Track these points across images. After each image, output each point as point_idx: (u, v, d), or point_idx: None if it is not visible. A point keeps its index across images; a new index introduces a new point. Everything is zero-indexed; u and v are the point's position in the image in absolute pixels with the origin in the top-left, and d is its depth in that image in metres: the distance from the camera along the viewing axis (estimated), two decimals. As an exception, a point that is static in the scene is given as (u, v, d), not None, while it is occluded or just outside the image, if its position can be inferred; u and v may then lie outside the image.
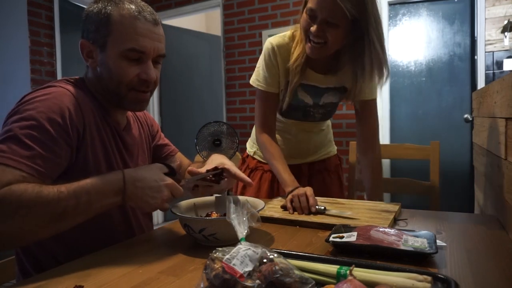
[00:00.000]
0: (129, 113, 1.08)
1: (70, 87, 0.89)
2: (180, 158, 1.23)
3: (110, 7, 0.88)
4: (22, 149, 0.74)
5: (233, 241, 0.65)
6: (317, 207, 1.02)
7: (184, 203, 0.95)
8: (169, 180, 0.82)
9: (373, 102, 1.34)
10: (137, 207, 0.82)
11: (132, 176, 0.79)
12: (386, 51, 1.15)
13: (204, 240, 0.80)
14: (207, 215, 0.89)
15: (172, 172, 0.87)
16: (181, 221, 0.84)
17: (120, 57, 0.88)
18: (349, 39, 1.13)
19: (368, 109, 1.34)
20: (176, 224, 1.00)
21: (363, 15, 1.06)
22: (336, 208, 1.06)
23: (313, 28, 1.08)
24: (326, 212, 1.02)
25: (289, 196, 1.09)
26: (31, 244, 0.88)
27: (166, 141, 1.24)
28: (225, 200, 0.92)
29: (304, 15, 1.11)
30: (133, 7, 0.89)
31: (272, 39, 1.28)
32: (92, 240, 0.89)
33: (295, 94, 1.28)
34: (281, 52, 1.26)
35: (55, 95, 0.83)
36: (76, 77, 0.97)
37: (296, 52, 1.22)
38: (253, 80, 1.34)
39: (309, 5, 1.08)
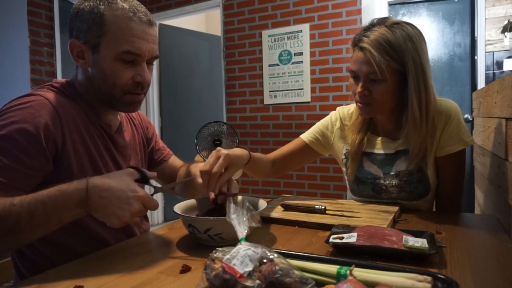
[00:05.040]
0: (122, 114, 1.05)
1: (51, 95, 0.85)
2: (173, 162, 1.20)
3: (102, 6, 0.84)
4: None
5: (238, 241, 0.65)
6: (316, 207, 1.02)
7: (184, 203, 0.94)
8: (140, 192, 0.75)
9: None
10: (103, 219, 0.75)
11: (97, 185, 0.73)
12: (432, 96, 1.06)
13: (209, 240, 0.80)
14: (211, 214, 0.88)
15: (143, 179, 0.82)
16: (185, 221, 0.83)
17: (115, 59, 0.85)
18: (402, 90, 1.06)
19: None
20: (175, 224, 1.00)
21: (405, 64, 1.01)
22: (336, 208, 1.06)
23: (358, 89, 1.07)
24: (326, 212, 1.02)
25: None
26: (23, 248, 0.87)
27: (161, 144, 1.21)
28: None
29: (350, 78, 1.12)
30: (127, 6, 0.85)
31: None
32: (89, 242, 0.88)
33: (360, 165, 1.20)
34: (341, 114, 1.27)
35: (32, 105, 0.80)
36: (63, 80, 0.94)
37: (354, 116, 1.23)
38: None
39: (350, 67, 1.09)
